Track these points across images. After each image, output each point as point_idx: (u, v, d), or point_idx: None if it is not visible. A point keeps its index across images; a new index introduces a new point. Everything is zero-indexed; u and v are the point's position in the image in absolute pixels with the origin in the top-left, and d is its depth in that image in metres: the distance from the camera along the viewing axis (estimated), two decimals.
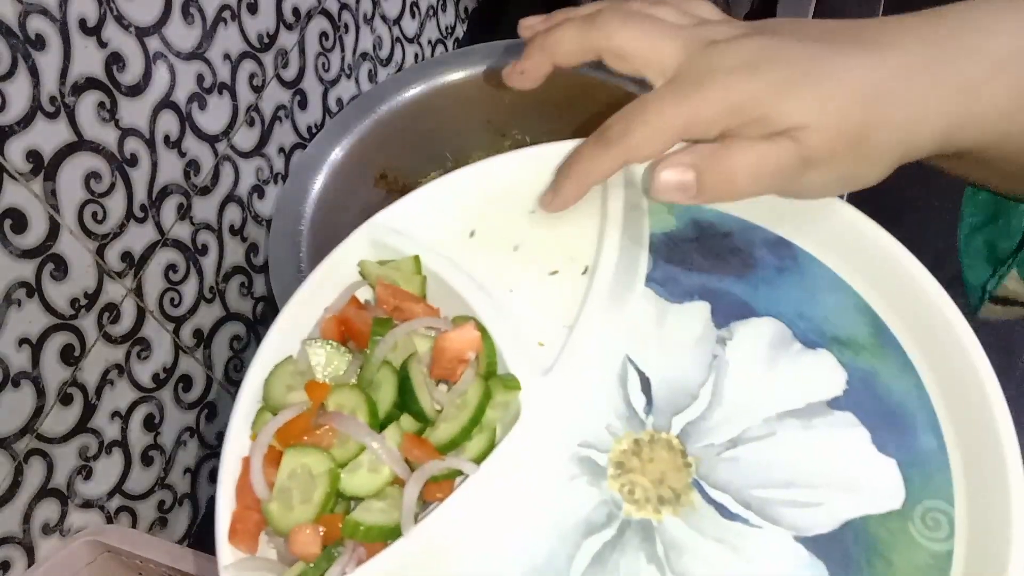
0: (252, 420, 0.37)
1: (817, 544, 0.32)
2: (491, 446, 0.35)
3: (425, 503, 0.34)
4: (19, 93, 0.44)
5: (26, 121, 0.45)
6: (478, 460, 0.34)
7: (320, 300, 0.40)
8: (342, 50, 0.73)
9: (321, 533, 0.33)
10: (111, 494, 0.56)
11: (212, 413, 0.64)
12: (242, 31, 0.61)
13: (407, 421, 0.36)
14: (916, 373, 0.35)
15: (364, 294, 0.41)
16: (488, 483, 0.33)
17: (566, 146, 0.41)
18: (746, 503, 0.34)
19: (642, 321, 0.38)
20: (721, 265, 0.39)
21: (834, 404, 0.35)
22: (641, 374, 0.37)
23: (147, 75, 0.53)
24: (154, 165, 0.54)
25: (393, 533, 0.33)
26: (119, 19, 0.50)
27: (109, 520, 0.56)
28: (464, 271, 0.39)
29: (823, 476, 0.34)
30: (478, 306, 0.38)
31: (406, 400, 0.36)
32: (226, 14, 0.59)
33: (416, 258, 0.40)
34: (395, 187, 0.70)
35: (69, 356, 0.50)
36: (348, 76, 0.75)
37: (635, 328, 0.38)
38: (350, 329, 0.39)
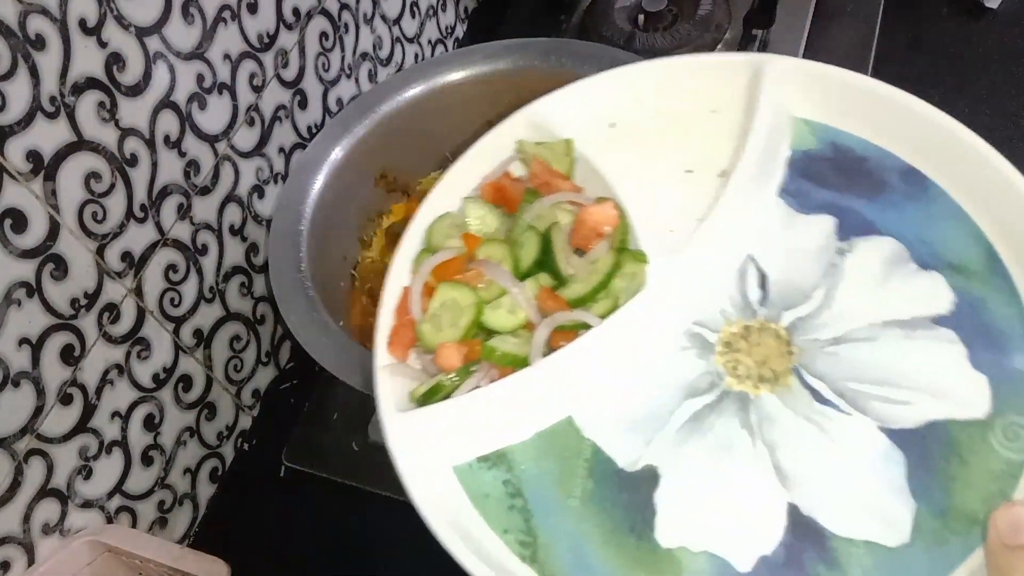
0: (413, 258, 0.42)
1: (900, 436, 0.35)
2: (615, 309, 0.38)
3: (551, 348, 0.38)
4: (19, 93, 0.44)
5: (26, 121, 0.45)
6: (602, 318, 0.38)
7: (478, 170, 0.45)
8: (342, 50, 0.73)
9: (463, 352, 0.38)
10: (111, 494, 0.56)
11: (212, 413, 0.65)
12: (242, 31, 0.61)
13: (544, 278, 0.41)
14: (1022, 305, 0.37)
15: (516, 171, 0.46)
16: (607, 337, 0.38)
17: (703, 58, 0.45)
18: (840, 392, 0.36)
19: (769, 226, 0.41)
20: (852, 185, 0.42)
21: (939, 321, 0.38)
22: (760, 271, 0.40)
23: (147, 75, 0.53)
24: (154, 165, 0.54)
25: (522, 363, 0.38)
26: (119, 19, 0.50)
27: (109, 520, 0.56)
28: (607, 158, 0.43)
29: (916, 380, 0.36)
30: (618, 188, 0.42)
31: (546, 259, 0.41)
32: (226, 14, 0.59)
33: (569, 141, 0.44)
34: (395, 187, 0.70)
35: (69, 356, 0.50)
36: (348, 76, 0.75)
37: (761, 231, 0.41)
38: (503, 196, 0.44)
